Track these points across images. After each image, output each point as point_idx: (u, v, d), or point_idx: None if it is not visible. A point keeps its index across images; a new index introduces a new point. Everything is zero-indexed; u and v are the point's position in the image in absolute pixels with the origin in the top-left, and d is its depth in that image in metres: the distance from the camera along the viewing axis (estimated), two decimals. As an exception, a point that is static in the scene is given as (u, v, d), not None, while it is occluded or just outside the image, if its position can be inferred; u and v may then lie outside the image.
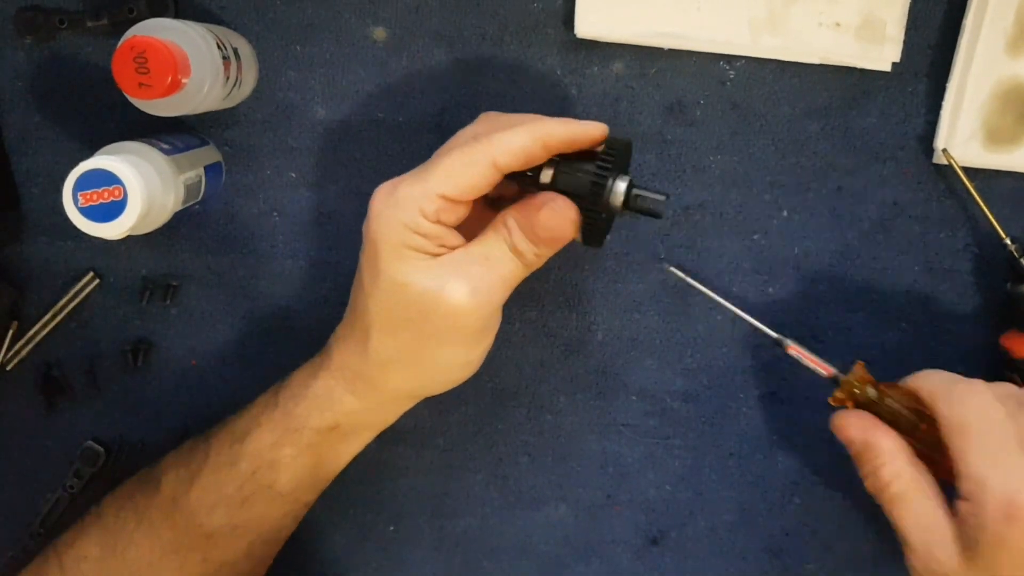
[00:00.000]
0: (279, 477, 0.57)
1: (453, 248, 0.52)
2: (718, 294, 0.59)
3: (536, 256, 0.52)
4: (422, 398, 0.58)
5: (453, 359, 0.54)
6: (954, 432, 0.50)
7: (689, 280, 0.60)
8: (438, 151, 0.52)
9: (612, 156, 0.51)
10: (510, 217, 0.52)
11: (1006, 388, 0.52)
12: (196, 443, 0.59)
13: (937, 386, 0.52)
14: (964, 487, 0.49)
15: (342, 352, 0.55)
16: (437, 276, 0.51)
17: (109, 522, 0.59)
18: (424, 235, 0.50)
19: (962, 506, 0.49)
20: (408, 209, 0.50)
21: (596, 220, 0.51)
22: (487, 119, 0.53)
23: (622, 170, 0.52)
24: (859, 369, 0.56)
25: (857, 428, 0.54)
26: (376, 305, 0.52)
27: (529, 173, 0.51)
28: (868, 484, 0.54)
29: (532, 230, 0.51)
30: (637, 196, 0.51)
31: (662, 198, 0.51)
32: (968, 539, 0.49)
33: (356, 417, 0.56)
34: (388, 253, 0.51)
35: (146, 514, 0.58)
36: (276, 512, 0.58)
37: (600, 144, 0.52)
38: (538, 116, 0.52)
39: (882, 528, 0.66)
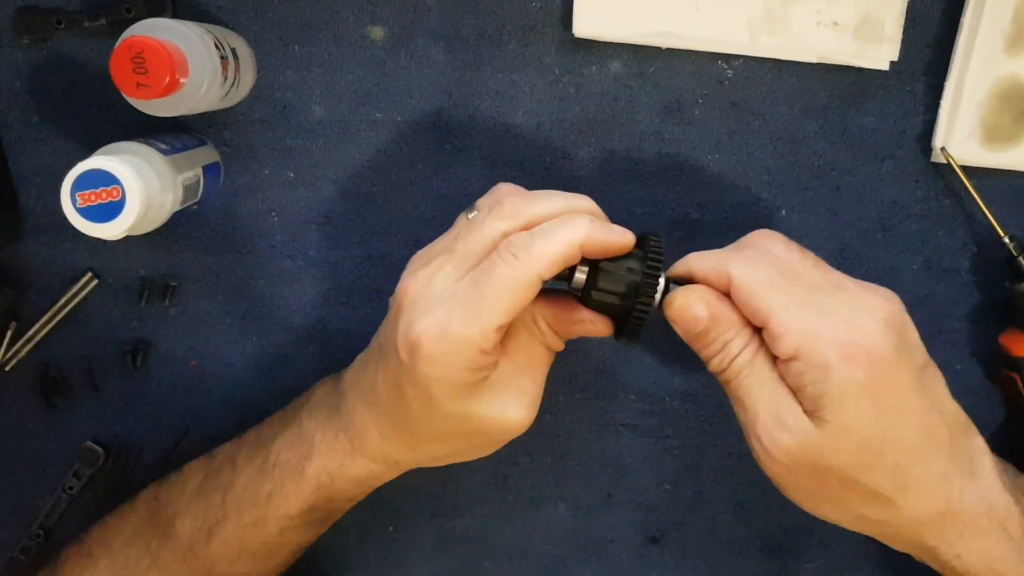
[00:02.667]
0: (306, 535, 0.59)
1: (496, 362, 0.51)
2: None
3: (562, 344, 0.54)
4: None
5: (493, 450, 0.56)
6: (757, 294, 0.48)
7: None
8: (464, 246, 0.50)
9: (659, 254, 0.50)
10: (541, 319, 0.52)
11: (778, 238, 0.51)
12: (207, 482, 0.58)
13: (720, 258, 0.50)
14: (786, 344, 0.47)
15: (381, 445, 0.55)
16: (495, 401, 0.51)
17: (119, 556, 0.59)
18: (482, 367, 0.50)
19: (793, 366, 0.47)
20: (468, 352, 0.48)
21: (641, 321, 0.50)
22: (510, 206, 0.50)
23: (666, 266, 0.51)
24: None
25: (703, 303, 0.49)
26: (429, 427, 0.53)
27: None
28: (714, 362, 0.50)
29: (565, 331, 0.52)
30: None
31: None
32: (812, 396, 0.47)
33: (383, 481, 0.58)
34: (446, 392, 0.50)
35: (160, 556, 0.58)
36: (296, 557, 0.61)
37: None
38: (558, 197, 0.51)
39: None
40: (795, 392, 0.48)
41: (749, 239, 0.52)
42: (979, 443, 0.52)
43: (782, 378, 0.48)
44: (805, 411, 0.47)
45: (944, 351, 0.64)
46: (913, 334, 0.50)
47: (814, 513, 0.52)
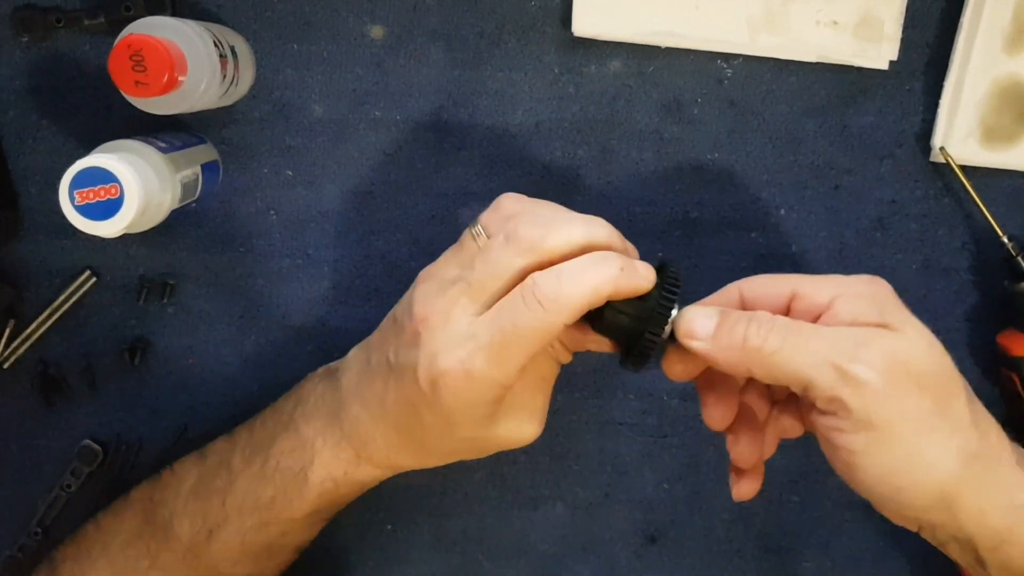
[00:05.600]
0: (309, 534, 0.60)
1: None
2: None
3: (571, 357, 0.54)
4: None
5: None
6: (774, 281, 0.49)
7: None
8: (480, 280, 0.48)
9: (675, 285, 0.49)
10: (556, 340, 0.52)
11: None
12: (203, 483, 0.58)
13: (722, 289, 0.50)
14: (823, 294, 0.47)
15: (389, 455, 0.55)
16: (512, 422, 0.52)
17: (117, 557, 0.59)
18: (502, 399, 0.50)
19: (837, 308, 0.46)
20: (492, 391, 0.49)
21: (651, 346, 0.49)
22: (527, 237, 0.48)
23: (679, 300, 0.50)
24: None
25: (710, 309, 0.48)
26: (442, 446, 0.53)
27: None
28: (751, 339, 0.46)
29: (577, 347, 0.53)
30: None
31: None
32: (875, 316, 0.46)
33: (385, 478, 0.58)
34: (466, 421, 0.50)
35: (160, 557, 0.58)
36: (297, 555, 0.61)
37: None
38: (575, 223, 0.49)
39: (880, 527, 0.66)
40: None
41: None
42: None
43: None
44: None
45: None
46: None
47: (912, 468, 0.46)
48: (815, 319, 0.47)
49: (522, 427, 0.53)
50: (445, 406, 0.49)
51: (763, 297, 0.49)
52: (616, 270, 0.47)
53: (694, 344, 0.48)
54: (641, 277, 0.48)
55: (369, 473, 0.56)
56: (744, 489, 0.54)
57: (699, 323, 0.48)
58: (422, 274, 0.52)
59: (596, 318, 0.49)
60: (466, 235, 0.51)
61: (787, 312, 0.48)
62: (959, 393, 0.47)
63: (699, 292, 0.64)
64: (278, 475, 0.56)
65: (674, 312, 0.49)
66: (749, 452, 0.53)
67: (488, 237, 0.50)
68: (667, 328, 0.48)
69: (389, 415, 0.53)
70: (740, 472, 0.54)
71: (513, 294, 0.47)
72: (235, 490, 0.57)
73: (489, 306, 0.48)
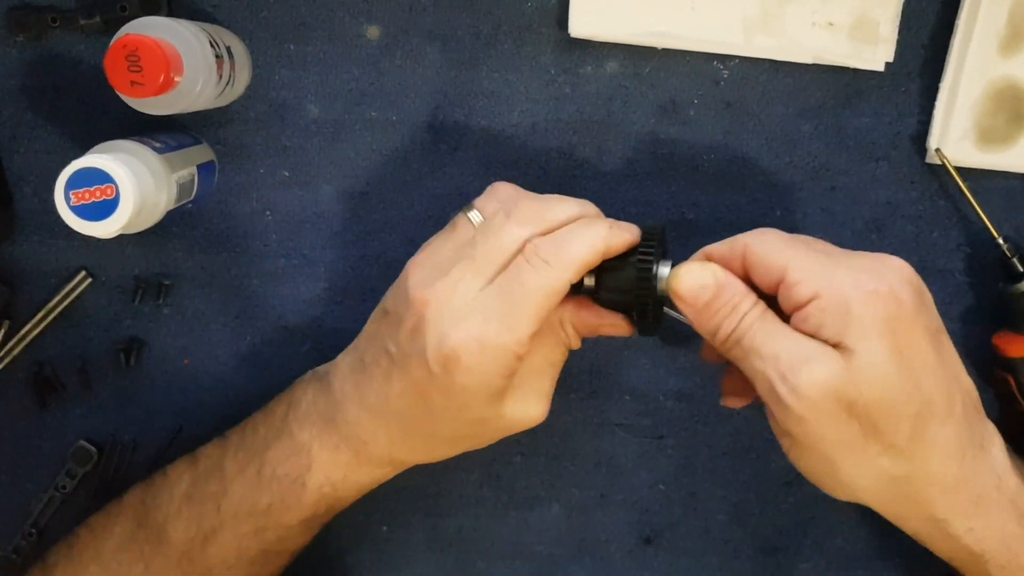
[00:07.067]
0: (305, 539, 0.59)
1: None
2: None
3: (580, 343, 0.55)
4: None
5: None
6: (774, 251, 0.48)
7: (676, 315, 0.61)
8: (486, 253, 0.50)
9: (652, 244, 0.51)
10: (568, 324, 0.53)
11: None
12: (196, 488, 0.58)
13: (733, 238, 0.51)
14: (805, 289, 0.47)
15: (391, 451, 0.55)
16: (520, 403, 0.53)
17: (110, 562, 0.59)
18: (515, 373, 0.51)
19: (811, 310, 0.46)
20: (506, 361, 0.49)
21: (648, 310, 0.51)
22: (528, 210, 0.51)
23: (663, 256, 0.52)
24: None
25: (708, 272, 0.49)
26: (451, 431, 0.54)
27: None
28: (724, 327, 0.48)
29: (590, 332, 0.53)
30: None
31: None
32: (832, 332, 0.46)
33: (384, 481, 0.58)
34: (480, 400, 0.51)
35: (154, 562, 0.58)
36: (292, 560, 0.61)
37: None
38: (569, 202, 0.52)
39: (876, 527, 0.67)
40: (807, 328, 0.47)
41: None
42: (989, 423, 0.52)
43: (796, 329, 0.47)
44: (824, 342, 0.46)
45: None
46: (931, 299, 0.50)
47: (832, 478, 0.50)
48: (793, 310, 0.48)
49: (529, 408, 0.53)
50: (458, 385, 0.49)
51: (761, 267, 0.49)
52: (606, 228, 0.50)
53: (681, 306, 0.50)
54: (628, 230, 0.51)
55: (369, 474, 0.56)
56: (734, 401, 0.55)
57: (693, 287, 0.49)
58: (411, 263, 0.52)
59: (598, 291, 0.52)
60: (460, 218, 0.52)
61: (778, 286, 0.48)
62: (905, 417, 0.47)
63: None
64: (275, 482, 0.56)
65: (666, 270, 0.51)
66: (740, 401, 0.55)
67: (485, 218, 0.52)
68: (658, 284, 0.51)
69: (393, 409, 0.53)
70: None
71: (517, 260, 0.49)
72: (230, 495, 0.57)
73: (494, 279, 0.49)
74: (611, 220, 0.51)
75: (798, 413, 0.46)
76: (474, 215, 0.52)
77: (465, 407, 0.51)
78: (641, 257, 0.51)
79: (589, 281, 0.52)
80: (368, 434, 0.54)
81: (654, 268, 0.51)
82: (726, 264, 0.50)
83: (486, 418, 0.52)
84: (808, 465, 0.50)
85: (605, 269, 0.51)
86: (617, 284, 0.51)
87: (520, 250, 0.50)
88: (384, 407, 0.53)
